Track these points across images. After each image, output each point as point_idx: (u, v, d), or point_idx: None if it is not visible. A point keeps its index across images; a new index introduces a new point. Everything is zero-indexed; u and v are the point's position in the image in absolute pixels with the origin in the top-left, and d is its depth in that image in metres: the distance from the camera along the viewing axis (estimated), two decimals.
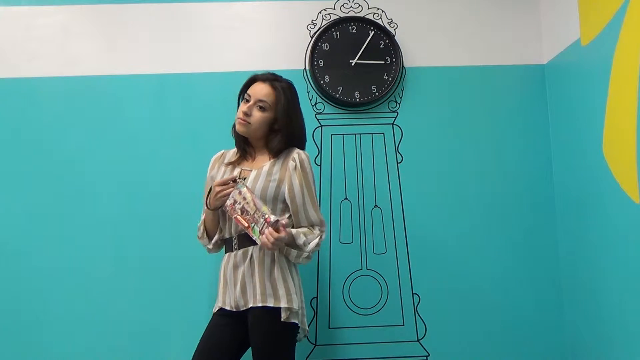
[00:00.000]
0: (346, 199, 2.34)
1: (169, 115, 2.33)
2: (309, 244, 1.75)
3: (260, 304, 1.70)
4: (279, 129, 1.82)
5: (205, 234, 1.87)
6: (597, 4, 1.99)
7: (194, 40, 2.38)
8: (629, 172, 1.81)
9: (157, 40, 2.37)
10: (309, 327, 2.24)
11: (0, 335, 2.18)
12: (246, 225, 1.69)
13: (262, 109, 1.79)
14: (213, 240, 1.85)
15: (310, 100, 2.37)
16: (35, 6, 2.36)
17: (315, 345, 2.26)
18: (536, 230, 2.34)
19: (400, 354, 2.27)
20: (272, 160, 1.82)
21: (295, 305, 1.71)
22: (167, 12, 2.39)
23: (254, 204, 1.68)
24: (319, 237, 1.78)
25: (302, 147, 1.90)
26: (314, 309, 2.28)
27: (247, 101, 1.81)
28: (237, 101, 1.91)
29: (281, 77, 1.87)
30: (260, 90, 1.80)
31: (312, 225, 1.80)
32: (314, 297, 2.28)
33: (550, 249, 2.33)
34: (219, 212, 1.82)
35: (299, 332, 1.78)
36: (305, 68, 2.37)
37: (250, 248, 1.75)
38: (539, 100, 2.41)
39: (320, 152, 2.35)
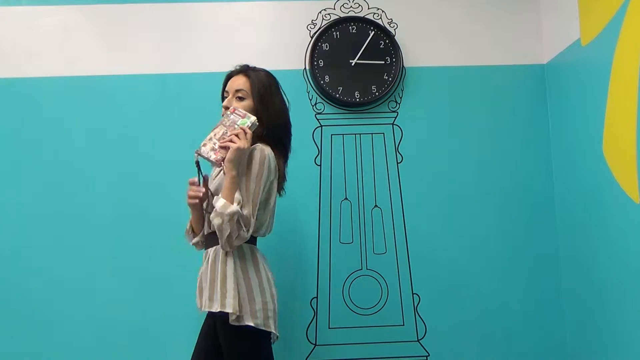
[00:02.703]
0: (346, 199, 2.34)
1: (168, 115, 2.33)
2: (239, 207, 1.58)
3: (207, 308, 1.66)
4: (262, 116, 1.74)
5: (191, 230, 1.83)
6: (597, 4, 1.99)
7: (194, 40, 2.38)
8: (629, 172, 1.81)
9: (157, 40, 2.37)
10: (308, 327, 2.25)
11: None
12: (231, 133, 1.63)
13: (240, 99, 1.75)
14: (194, 240, 1.81)
15: (310, 100, 2.37)
16: (36, 6, 2.36)
17: (315, 345, 2.26)
18: (536, 230, 2.34)
19: (400, 354, 2.27)
20: None
21: (230, 309, 1.59)
22: (167, 12, 2.39)
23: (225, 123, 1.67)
24: (245, 223, 1.60)
25: (285, 137, 1.82)
26: (314, 309, 2.28)
27: (226, 97, 1.79)
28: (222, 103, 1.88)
29: (256, 67, 1.83)
30: (234, 81, 1.78)
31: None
32: (314, 297, 2.28)
33: (550, 249, 2.33)
34: (202, 211, 1.77)
35: (263, 337, 1.66)
36: (305, 68, 2.37)
37: (212, 248, 1.70)
38: (539, 100, 2.41)
39: (320, 152, 2.35)
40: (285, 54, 2.37)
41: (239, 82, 1.77)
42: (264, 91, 1.76)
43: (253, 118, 1.65)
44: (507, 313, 2.30)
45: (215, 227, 1.59)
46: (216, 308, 1.62)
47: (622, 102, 1.84)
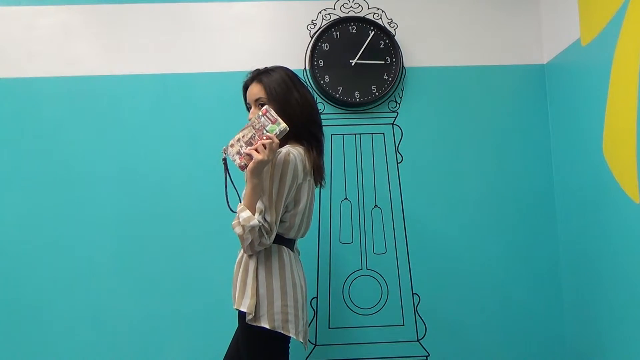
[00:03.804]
0: (346, 199, 2.34)
1: (169, 115, 2.33)
2: (261, 217, 1.59)
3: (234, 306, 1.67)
4: (284, 115, 1.69)
5: None
6: (597, 4, 1.99)
7: (194, 40, 2.38)
8: (629, 173, 1.81)
9: (157, 40, 2.37)
10: (309, 327, 2.25)
11: (1, 334, 2.19)
12: (259, 138, 1.58)
13: (262, 105, 1.72)
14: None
15: None
16: (36, 6, 2.36)
17: (315, 345, 2.26)
18: (536, 230, 2.34)
19: (400, 354, 2.27)
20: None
21: (245, 308, 1.60)
22: (167, 12, 2.39)
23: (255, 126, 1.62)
24: (266, 231, 1.59)
25: (314, 127, 1.77)
26: (314, 309, 2.28)
27: (249, 109, 1.78)
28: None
29: (267, 67, 1.79)
30: (251, 92, 1.76)
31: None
32: (314, 297, 2.28)
33: (551, 248, 2.33)
34: None
35: (280, 340, 1.65)
36: (305, 68, 2.37)
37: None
38: (539, 100, 2.41)
39: None
40: (285, 54, 2.37)
41: (255, 90, 1.75)
42: (280, 92, 1.71)
43: (283, 125, 1.60)
44: (508, 313, 2.30)
45: (237, 234, 1.60)
46: (237, 306, 1.63)
47: (622, 102, 1.84)
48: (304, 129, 1.73)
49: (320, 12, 2.41)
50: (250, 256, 1.66)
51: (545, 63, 2.43)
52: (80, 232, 2.25)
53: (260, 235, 1.59)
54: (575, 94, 2.18)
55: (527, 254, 2.33)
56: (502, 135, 2.39)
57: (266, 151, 1.56)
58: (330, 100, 2.37)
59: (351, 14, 2.41)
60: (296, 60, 2.36)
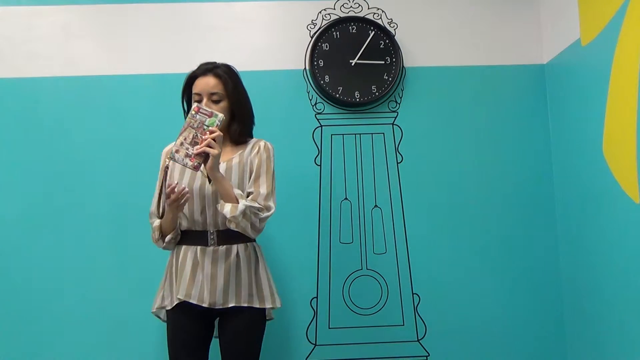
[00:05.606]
0: (346, 199, 2.34)
1: (169, 115, 2.33)
2: (244, 200, 1.67)
3: (245, 305, 1.69)
4: (237, 113, 1.80)
5: (160, 237, 1.79)
6: (597, 4, 1.99)
7: (194, 40, 2.38)
8: (629, 173, 1.81)
9: (157, 40, 2.37)
10: (308, 327, 2.26)
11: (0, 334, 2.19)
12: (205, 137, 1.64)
13: (217, 101, 1.75)
14: (167, 239, 1.77)
15: (310, 100, 2.37)
16: (35, 6, 2.36)
17: (315, 345, 2.26)
18: (536, 230, 2.34)
19: (400, 354, 2.27)
20: (240, 152, 1.78)
21: (279, 304, 1.78)
22: (167, 12, 2.39)
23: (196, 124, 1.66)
24: (257, 209, 1.68)
25: (252, 127, 1.88)
26: (314, 309, 2.28)
27: (200, 100, 1.76)
28: (181, 105, 1.89)
29: (216, 62, 1.82)
30: (206, 84, 1.76)
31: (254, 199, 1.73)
32: (314, 297, 2.28)
33: (550, 249, 2.33)
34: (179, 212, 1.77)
35: None
36: (305, 68, 2.37)
37: (234, 246, 1.72)
38: (539, 100, 2.41)
39: (320, 152, 2.35)
40: (286, 54, 2.37)
41: (212, 83, 1.76)
42: (236, 89, 1.79)
43: (220, 115, 1.66)
44: (507, 313, 2.30)
45: (238, 230, 1.68)
46: (262, 305, 1.73)
47: (622, 102, 1.84)
48: (251, 128, 1.86)
49: (320, 12, 2.41)
50: (256, 253, 1.78)
51: (545, 63, 2.43)
52: (80, 232, 2.25)
53: (256, 215, 1.67)
54: (575, 94, 2.18)
55: (527, 253, 2.33)
56: (502, 135, 2.39)
57: (217, 144, 1.63)
58: (330, 100, 2.37)
59: (351, 14, 2.41)
60: (296, 60, 2.36)
